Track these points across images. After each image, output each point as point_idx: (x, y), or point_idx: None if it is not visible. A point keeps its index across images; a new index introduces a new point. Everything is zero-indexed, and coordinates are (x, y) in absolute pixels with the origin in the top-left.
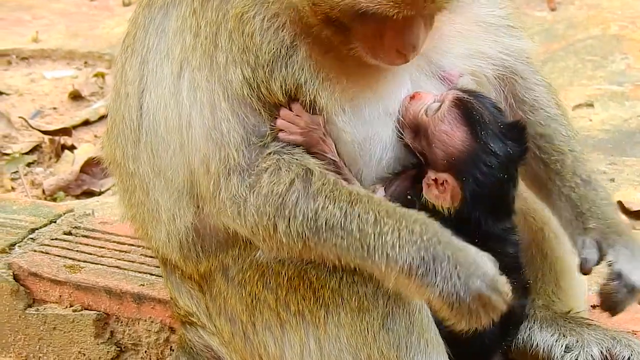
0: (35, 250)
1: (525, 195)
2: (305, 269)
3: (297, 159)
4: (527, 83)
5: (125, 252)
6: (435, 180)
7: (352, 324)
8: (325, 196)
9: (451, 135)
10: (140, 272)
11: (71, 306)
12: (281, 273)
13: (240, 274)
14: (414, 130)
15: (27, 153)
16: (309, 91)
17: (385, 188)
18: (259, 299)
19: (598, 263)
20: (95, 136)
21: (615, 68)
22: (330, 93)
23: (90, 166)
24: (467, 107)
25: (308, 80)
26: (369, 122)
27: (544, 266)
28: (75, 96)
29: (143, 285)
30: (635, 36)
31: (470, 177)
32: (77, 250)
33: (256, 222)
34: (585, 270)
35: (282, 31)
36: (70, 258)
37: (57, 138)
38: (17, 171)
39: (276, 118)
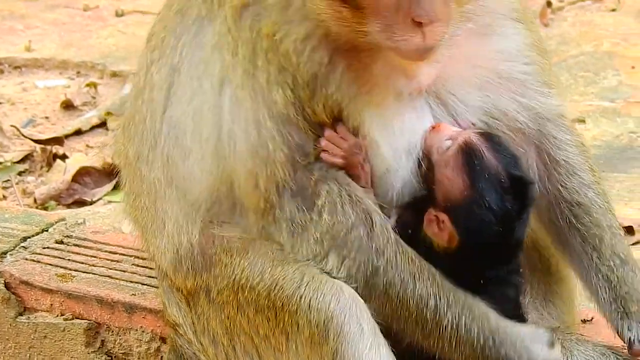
0: (26, 259)
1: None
2: (271, 288)
3: (351, 197)
4: (558, 142)
5: (117, 261)
6: (436, 217)
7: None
8: (387, 259)
9: (452, 181)
10: (131, 282)
11: (62, 315)
12: (254, 289)
13: (219, 295)
14: (427, 163)
15: (18, 162)
16: (351, 114)
17: (397, 217)
18: (235, 322)
19: None
20: (87, 146)
21: (607, 84)
22: (370, 117)
23: (82, 176)
24: (472, 156)
25: (349, 102)
26: (393, 153)
27: (533, 279)
28: (68, 106)
29: (134, 295)
30: (627, 53)
31: (464, 226)
32: (68, 259)
33: (308, 251)
34: (635, 352)
35: (317, 52)
36: (61, 267)
37: (48, 147)
38: (8, 180)
39: (320, 138)
